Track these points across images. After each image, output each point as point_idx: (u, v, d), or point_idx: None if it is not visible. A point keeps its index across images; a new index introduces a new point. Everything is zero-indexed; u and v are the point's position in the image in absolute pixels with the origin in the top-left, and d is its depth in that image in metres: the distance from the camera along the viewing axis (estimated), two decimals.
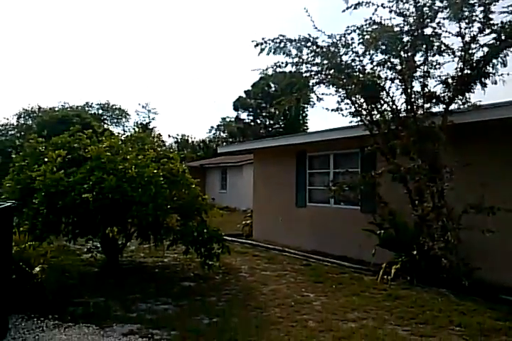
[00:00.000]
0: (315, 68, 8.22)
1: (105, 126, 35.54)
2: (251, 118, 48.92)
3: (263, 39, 8.11)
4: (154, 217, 7.41)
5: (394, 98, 8.05)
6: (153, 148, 9.19)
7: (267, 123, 48.27)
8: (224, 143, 41.25)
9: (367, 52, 7.86)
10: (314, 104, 9.21)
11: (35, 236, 6.88)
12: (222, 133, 49.75)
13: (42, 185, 7.35)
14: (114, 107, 43.87)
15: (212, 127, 50.45)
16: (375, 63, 7.97)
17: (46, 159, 7.85)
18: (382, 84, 8.08)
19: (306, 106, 42.07)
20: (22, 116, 34.07)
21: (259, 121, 48.61)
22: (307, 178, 11.68)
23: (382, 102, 8.17)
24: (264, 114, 47.80)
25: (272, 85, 46.01)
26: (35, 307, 5.56)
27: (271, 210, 12.94)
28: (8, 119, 32.82)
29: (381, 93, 8.13)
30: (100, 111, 43.31)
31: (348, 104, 8.33)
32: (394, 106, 8.07)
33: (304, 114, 46.13)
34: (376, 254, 8.37)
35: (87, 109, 39.96)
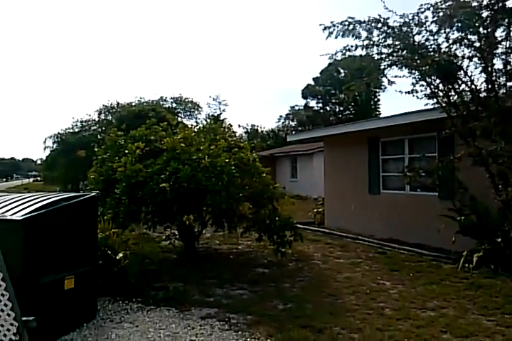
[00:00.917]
0: (386, 50, 7.90)
1: (179, 118, 36.65)
2: (320, 105, 48.29)
3: (331, 22, 7.92)
4: (227, 204, 7.58)
5: (473, 77, 7.60)
6: (225, 138, 9.36)
7: (337, 110, 47.39)
8: (293, 132, 41.06)
9: (441, 31, 7.43)
10: (385, 87, 8.84)
11: (118, 224, 7.30)
12: (291, 122, 49.48)
13: (123, 176, 7.76)
14: (186, 100, 44.97)
15: (281, 116, 50.34)
16: (450, 41, 7.52)
17: (126, 151, 8.27)
18: (459, 63, 7.62)
19: (377, 90, 40.77)
20: (102, 112, 35.96)
21: (328, 108, 47.86)
22: (380, 165, 11.34)
23: (459, 82, 7.71)
24: (333, 100, 46.98)
25: (341, 71, 45.08)
26: (120, 290, 5.93)
27: (343, 198, 12.75)
28: (90, 115, 34.83)
29: (458, 72, 7.66)
30: (174, 105, 44.63)
31: (422, 85, 7.94)
32: (473, 86, 7.59)
33: (375, 99, 44.74)
34: (456, 242, 7.99)
35: (161, 103, 41.31)
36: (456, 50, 7.57)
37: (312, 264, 8.21)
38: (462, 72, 7.67)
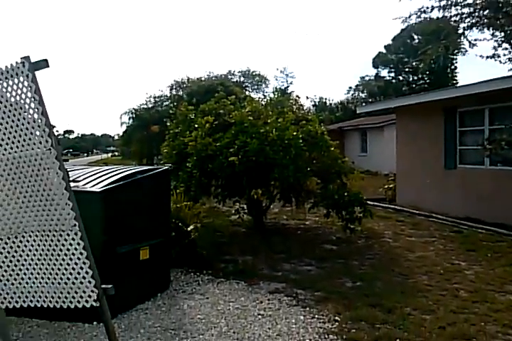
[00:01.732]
0: (466, 10, 7.27)
1: (246, 92, 36.68)
2: (392, 75, 46.08)
3: None
4: (295, 178, 7.53)
5: None
6: (292, 111, 9.22)
7: (410, 79, 45.01)
8: (363, 104, 39.76)
9: None
10: (466, 51, 8.15)
11: (190, 197, 7.51)
12: (361, 94, 47.85)
13: (194, 150, 7.93)
14: (254, 74, 44.91)
15: (350, 87, 48.76)
16: None
17: (196, 125, 8.40)
18: None
19: (454, 57, 38.16)
20: (174, 87, 36.80)
21: (401, 78, 45.58)
22: (457, 137, 10.66)
23: None
24: (406, 69, 44.62)
25: (415, 37, 42.58)
26: (192, 262, 6.13)
27: (416, 173, 12.21)
28: (162, 91, 35.76)
29: None
30: (242, 79, 44.73)
31: (506, 49, 7.27)
32: None
33: (451, 67, 41.95)
34: None
35: (229, 77, 41.57)
36: None
37: (382, 242, 8.00)
38: None
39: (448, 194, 10.85)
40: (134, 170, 5.27)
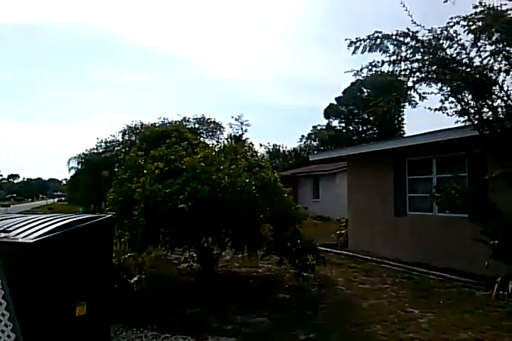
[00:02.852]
0: (415, 65, 7.63)
1: (201, 139, 36.80)
2: (343, 125, 48.03)
3: (357, 38, 7.74)
4: (248, 226, 7.35)
5: (509, 92, 7.24)
6: (246, 157, 9.19)
7: (360, 129, 47.02)
8: (315, 152, 40.78)
9: (476, 43, 7.14)
10: (417, 103, 8.51)
11: (135, 247, 7.12)
12: (313, 142, 49.23)
13: (141, 197, 7.62)
14: (209, 121, 45.40)
15: (303, 136, 50.11)
16: (486, 54, 7.21)
17: (145, 171, 8.16)
18: (494, 78, 7.30)
19: (401, 110, 40.31)
20: (126, 132, 36.48)
21: (351, 128, 47.53)
22: (407, 185, 10.96)
23: (493, 98, 7.37)
24: (356, 120, 46.68)
25: (365, 90, 44.89)
26: (135, 316, 5.70)
27: (367, 219, 12.35)
28: (114, 136, 35.34)
29: (493, 87, 7.34)
30: (196, 125, 45.05)
31: (452, 102, 7.64)
32: (509, 102, 7.24)
33: (399, 118, 44.24)
34: (489, 267, 7.53)
35: (184, 123, 41.76)
36: (491, 63, 7.27)
37: (336, 290, 7.85)
38: (497, 86, 7.35)
39: (398, 240, 10.96)
40: (72, 219, 4.91)
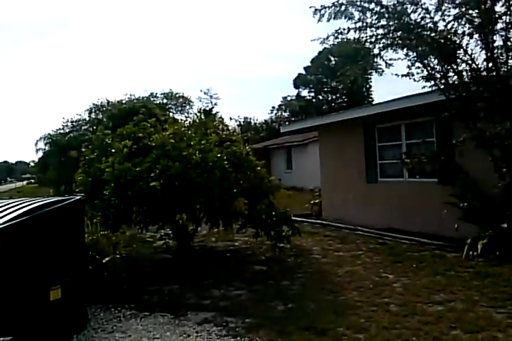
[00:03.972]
0: (381, 31, 7.54)
1: (170, 114, 36.12)
2: (312, 95, 47.92)
3: (322, 6, 7.57)
4: (221, 201, 7.30)
5: (473, 56, 7.26)
6: (216, 132, 9.04)
7: (329, 98, 47.03)
8: (286, 123, 40.71)
9: (440, 8, 7.08)
10: (383, 71, 8.52)
11: (108, 227, 7.00)
12: (284, 113, 49.07)
13: (111, 176, 7.44)
14: (177, 95, 44.48)
15: (273, 107, 49.84)
16: (450, 18, 7.17)
17: (113, 150, 7.95)
18: (458, 42, 7.29)
19: (369, 77, 40.41)
20: (93, 111, 35.45)
21: (321, 97, 47.50)
22: (377, 152, 11.07)
23: (458, 62, 7.38)
24: (325, 89, 46.58)
25: (332, 59, 44.67)
26: (112, 296, 5.64)
27: (340, 188, 12.48)
28: (80, 115, 34.31)
29: (458, 51, 7.34)
30: (165, 101, 44.13)
31: (419, 67, 7.63)
32: (473, 65, 7.27)
33: (367, 86, 44.38)
34: (459, 229, 7.76)
35: (152, 99, 40.82)
36: (455, 27, 7.25)
37: (311, 259, 7.96)
38: (462, 50, 7.35)
39: (371, 206, 11.15)
40: (40, 203, 4.76)
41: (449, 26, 7.28)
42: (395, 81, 58.07)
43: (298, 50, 78.15)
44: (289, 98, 49.20)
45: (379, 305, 5.26)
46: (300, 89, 48.25)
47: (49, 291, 4.45)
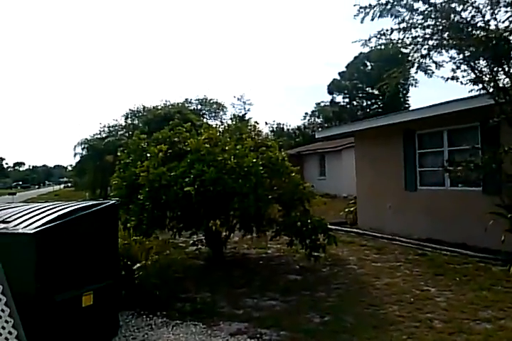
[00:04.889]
0: (428, 31, 7.19)
1: (204, 120, 36.44)
2: (346, 100, 47.34)
3: (369, 5, 7.29)
4: (256, 208, 7.14)
5: None
6: (251, 137, 8.93)
7: (364, 104, 46.33)
8: (320, 129, 40.31)
9: (493, 7, 6.69)
10: (433, 72, 7.99)
11: (141, 232, 6.96)
12: (317, 119, 48.69)
13: (146, 181, 7.42)
14: (211, 101, 44.93)
15: (306, 113, 49.59)
16: (503, 16, 6.75)
17: (149, 155, 7.95)
18: None
19: (405, 82, 39.51)
20: (129, 116, 36.18)
21: (355, 103, 46.85)
22: (417, 159, 10.66)
23: (511, 63, 6.94)
24: (360, 95, 45.96)
25: (368, 64, 44.07)
26: (144, 303, 5.55)
27: (377, 196, 12.12)
28: (117, 120, 35.08)
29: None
30: (199, 106, 44.63)
31: (465, 70, 7.24)
32: None
33: (403, 92, 43.47)
34: (506, 241, 7.32)
35: (187, 105, 41.35)
36: (510, 26, 6.82)
37: (348, 269, 7.67)
38: None
39: (409, 216, 10.75)
40: (75, 207, 4.73)
41: (503, 25, 6.86)
42: (432, 88, 56.39)
43: (334, 56, 77.61)
44: (322, 104, 48.83)
45: (422, 320, 4.97)
46: (334, 95, 47.76)
47: (81, 297, 4.39)
